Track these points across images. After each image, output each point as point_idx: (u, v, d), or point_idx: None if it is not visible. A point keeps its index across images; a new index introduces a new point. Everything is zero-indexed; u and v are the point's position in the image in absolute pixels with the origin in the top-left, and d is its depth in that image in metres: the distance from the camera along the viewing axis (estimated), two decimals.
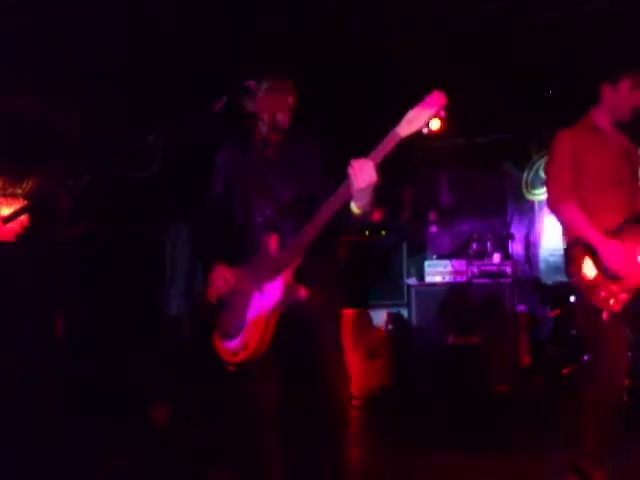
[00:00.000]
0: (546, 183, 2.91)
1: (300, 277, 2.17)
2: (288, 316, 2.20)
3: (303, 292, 2.16)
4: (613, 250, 2.60)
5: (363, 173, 1.98)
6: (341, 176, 2.06)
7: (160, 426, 4.03)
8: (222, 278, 2.28)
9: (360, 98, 5.03)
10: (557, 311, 5.48)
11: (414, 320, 5.31)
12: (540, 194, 6.41)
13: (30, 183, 4.11)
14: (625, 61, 2.99)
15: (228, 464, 3.24)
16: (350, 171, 2.00)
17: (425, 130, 1.96)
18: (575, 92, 5.52)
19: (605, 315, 2.59)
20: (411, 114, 1.96)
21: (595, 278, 2.62)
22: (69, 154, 4.16)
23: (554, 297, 5.61)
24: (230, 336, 2.26)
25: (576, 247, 2.69)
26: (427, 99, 1.98)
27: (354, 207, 2.08)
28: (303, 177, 2.32)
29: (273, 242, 2.23)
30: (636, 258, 2.62)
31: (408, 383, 5.14)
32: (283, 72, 2.36)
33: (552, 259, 6.22)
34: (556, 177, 2.80)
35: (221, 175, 2.46)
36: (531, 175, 6.43)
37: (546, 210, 6.33)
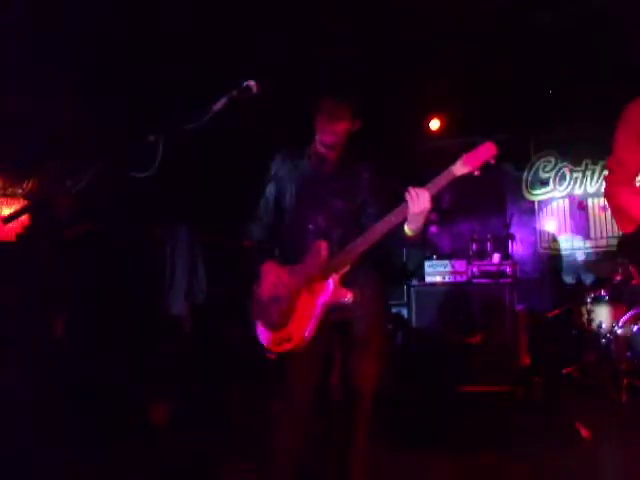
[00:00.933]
0: (609, 161, 2.49)
1: (347, 282, 2.39)
2: (332, 316, 2.41)
3: (349, 295, 2.38)
4: None
5: (420, 200, 2.26)
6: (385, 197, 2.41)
7: (160, 425, 4.04)
8: (275, 274, 2.49)
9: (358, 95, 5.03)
10: (557, 311, 5.49)
11: (414, 320, 5.31)
12: (540, 194, 6.41)
13: (30, 183, 4.11)
14: (625, 61, 2.98)
15: (230, 462, 3.24)
16: (408, 196, 2.28)
17: (476, 173, 2.26)
18: (575, 92, 5.54)
19: None
20: (466, 157, 2.26)
21: None
22: (69, 154, 4.16)
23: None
24: (275, 327, 2.45)
25: (634, 244, 2.45)
26: (481, 147, 2.28)
27: (407, 229, 2.35)
28: (354, 193, 2.57)
29: (323, 247, 2.44)
30: None
31: (408, 383, 5.14)
32: (341, 98, 2.53)
33: (552, 259, 6.23)
34: (617, 164, 2.43)
35: (274, 180, 2.65)
36: (531, 175, 6.44)
37: (546, 210, 6.34)
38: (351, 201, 2.57)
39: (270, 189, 2.66)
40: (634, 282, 2.47)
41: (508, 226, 5.72)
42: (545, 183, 6.38)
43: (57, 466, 3.14)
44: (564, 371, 5.00)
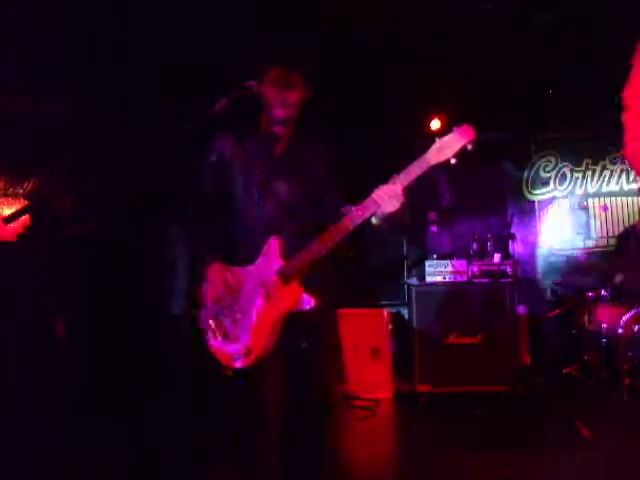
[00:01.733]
0: (624, 112, 2.14)
1: (307, 284, 2.14)
2: (293, 322, 2.15)
3: (312, 301, 2.13)
4: None
5: (392, 199, 2.02)
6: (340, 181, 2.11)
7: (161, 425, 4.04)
8: (222, 278, 2.19)
9: (358, 95, 5.03)
10: (557, 311, 5.49)
11: (414, 320, 5.31)
12: (541, 194, 6.41)
13: (31, 183, 4.10)
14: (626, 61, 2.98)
15: (228, 464, 3.24)
16: (376, 197, 2.03)
17: (453, 160, 2.01)
18: (575, 92, 5.54)
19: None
20: (440, 143, 2.03)
21: None
22: (70, 154, 4.16)
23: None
24: (229, 339, 2.18)
25: None
26: (458, 131, 2.03)
27: (375, 221, 2.10)
28: (305, 175, 2.27)
29: (277, 246, 2.17)
30: None
31: (408, 383, 5.14)
32: (292, 64, 2.23)
33: (552, 259, 6.22)
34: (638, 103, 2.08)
35: (216, 164, 2.33)
36: (531, 175, 6.43)
37: (547, 210, 6.34)
38: (304, 184, 2.26)
39: (210, 177, 2.34)
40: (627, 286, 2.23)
41: (509, 226, 5.71)
42: (546, 183, 6.37)
43: (57, 466, 3.14)
44: (564, 371, 4.99)
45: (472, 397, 4.77)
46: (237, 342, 2.16)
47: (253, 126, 2.33)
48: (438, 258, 5.60)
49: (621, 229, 5.71)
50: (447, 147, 2.02)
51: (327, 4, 4.26)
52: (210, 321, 2.22)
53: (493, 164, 6.13)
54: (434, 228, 6.21)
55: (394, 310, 5.68)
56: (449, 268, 5.40)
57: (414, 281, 5.56)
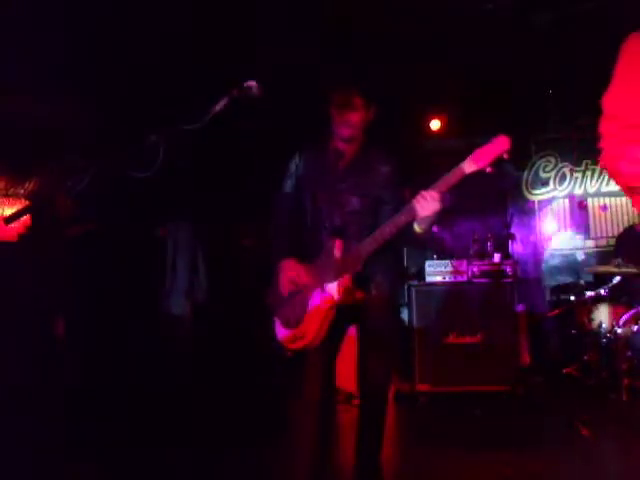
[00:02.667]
0: (602, 119, 1.91)
1: (360, 281, 2.41)
2: (344, 315, 2.44)
3: (359, 295, 2.41)
4: None
5: (429, 203, 2.24)
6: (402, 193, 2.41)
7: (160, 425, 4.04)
8: (295, 272, 2.49)
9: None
10: (557, 311, 5.49)
11: (414, 320, 5.31)
12: (540, 194, 6.41)
13: (32, 183, 4.10)
14: None
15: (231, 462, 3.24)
16: (417, 201, 2.25)
17: (488, 169, 2.19)
18: (575, 92, 5.54)
19: None
20: (477, 153, 2.20)
21: None
22: (70, 154, 4.16)
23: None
24: (291, 325, 2.48)
25: None
26: (493, 141, 2.21)
27: (417, 227, 2.36)
28: (369, 188, 2.53)
29: (338, 247, 2.43)
30: None
31: (408, 383, 5.14)
32: (351, 88, 2.51)
33: (552, 259, 6.23)
34: (616, 110, 1.87)
35: (293, 177, 2.64)
36: (531, 175, 6.44)
37: (546, 210, 6.34)
38: (366, 197, 2.54)
39: (288, 187, 2.65)
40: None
41: (508, 226, 5.72)
42: (545, 183, 6.38)
43: (57, 466, 3.14)
44: (564, 371, 5.00)
45: (472, 397, 4.77)
46: (296, 327, 2.46)
47: (323, 143, 2.63)
48: (438, 258, 5.61)
49: (621, 229, 5.71)
50: (483, 157, 2.20)
51: (327, 4, 4.26)
52: (278, 308, 2.54)
53: (493, 164, 6.13)
54: (434, 228, 6.21)
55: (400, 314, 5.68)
56: (449, 268, 5.40)
57: (414, 281, 5.56)
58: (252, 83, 2.26)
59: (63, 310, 4.18)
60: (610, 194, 6.13)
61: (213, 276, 5.44)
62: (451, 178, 2.24)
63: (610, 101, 1.91)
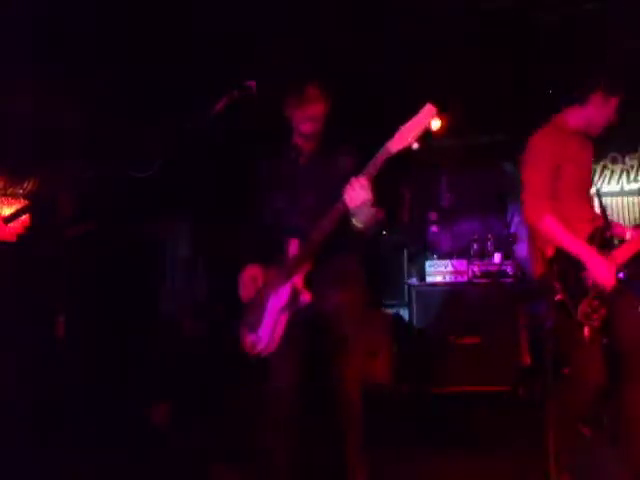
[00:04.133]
0: (523, 192, 2.81)
1: (314, 281, 2.32)
2: (297, 317, 2.36)
3: (306, 297, 2.30)
4: (601, 264, 2.55)
5: (358, 192, 2.11)
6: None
7: (161, 425, 4.04)
8: (252, 277, 2.47)
9: (358, 95, 5.03)
10: None
11: (415, 320, 5.30)
12: None
13: (31, 183, 4.11)
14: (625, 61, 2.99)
15: (231, 462, 3.24)
16: (345, 191, 2.13)
17: (415, 145, 2.09)
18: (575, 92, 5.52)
19: (586, 331, 2.59)
20: (403, 129, 2.08)
21: (579, 293, 2.58)
22: (70, 154, 4.16)
23: None
24: (251, 330, 2.44)
25: (559, 261, 2.61)
26: (418, 114, 2.08)
27: (355, 222, 2.21)
28: (329, 185, 2.36)
29: (294, 247, 2.35)
30: (614, 273, 2.58)
31: (408, 383, 5.14)
32: (309, 81, 2.41)
33: None
34: (535, 187, 2.72)
35: (258, 178, 2.60)
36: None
37: None
38: (324, 193, 2.34)
39: (253, 190, 2.61)
40: (557, 297, 2.57)
41: (509, 226, 5.71)
42: None
43: (57, 466, 3.13)
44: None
45: (472, 397, 4.77)
46: (255, 331, 2.42)
47: (285, 142, 2.54)
48: (438, 258, 5.60)
49: None
50: (408, 133, 2.08)
51: (326, 4, 4.26)
52: (243, 314, 2.50)
53: (493, 164, 6.13)
54: (434, 228, 6.21)
55: (394, 310, 5.68)
56: (449, 268, 5.39)
57: (414, 281, 5.55)
58: (252, 83, 2.27)
59: (63, 310, 4.18)
60: (610, 194, 6.13)
61: (213, 276, 5.44)
62: (377, 162, 2.13)
63: (527, 182, 2.78)
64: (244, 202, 2.67)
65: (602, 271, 2.55)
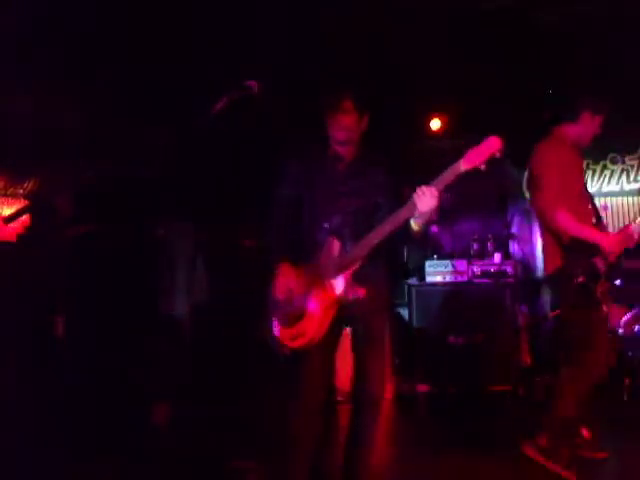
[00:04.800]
0: (538, 190, 3.24)
1: (359, 279, 2.45)
2: (344, 312, 2.48)
3: (361, 291, 2.44)
4: (610, 237, 3.10)
5: (428, 199, 2.30)
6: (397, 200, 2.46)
7: (160, 426, 4.04)
8: (289, 275, 2.55)
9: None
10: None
11: (415, 320, 5.30)
12: None
13: (31, 183, 4.11)
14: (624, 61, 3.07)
15: (231, 462, 3.24)
16: (417, 196, 2.31)
17: (482, 167, 2.27)
18: (575, 92, 5.53)
19: (605, 308, 3.06)
20: (472, 152, 2.28)
21: (595, 276, 3.02)
22: (70, 154, 4.16)
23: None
24: (289, 323, 2.51)
25: (576, 250, 3.07)
26: (487, 141, 2.28)
27: (414, 224, 2.41)
28: (368, 193, 2.60)
29: (335, 245, 2.49)
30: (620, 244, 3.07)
31: (408, 383, 5.14)
32: (342, 92, 2.56)
33: None
34: (550, 185, 3.15)
35: (291, 179, 2.69)
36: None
37: None
38: (365, 201, 2.60)
39: (287, 187, 2.69)
40: (580, 280, 3.07)
41: (509, 226, 5.71)
42: None
43: (57, 466, 3.14)
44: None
45: (472, 397, 4.77)
46: (295, 325, 2.50)
47: (321, 146, 2.67)
48: (438, 258, 5.60)
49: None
50: (478, 155, 2.27)
51: (327, 4, 4.26)
52: (276, 309, 2.56)
53: (493, 164, 6.13)
54: (434, 228, 6.20)
55: (394, 310, 5.67)
56: (449, 268, 5.40)
57: (414, 281, 5.56)
58: (252, 83, 2.27)
59: (63, 310, 4.18)
60: (611, 194, 6.13)
61: (213, 276, 5.44)
62: (448, 176, 2.31)
63: (544, 181, 3.22)
64: (268, 200, 2.73)
65: (612, 242, 3.05)
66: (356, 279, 2.45)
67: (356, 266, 2.46)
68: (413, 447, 3.70)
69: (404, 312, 5.64)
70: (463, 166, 2.28)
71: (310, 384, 2.54)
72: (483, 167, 2.27)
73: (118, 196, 4.36)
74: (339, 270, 2.45)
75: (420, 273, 5.59)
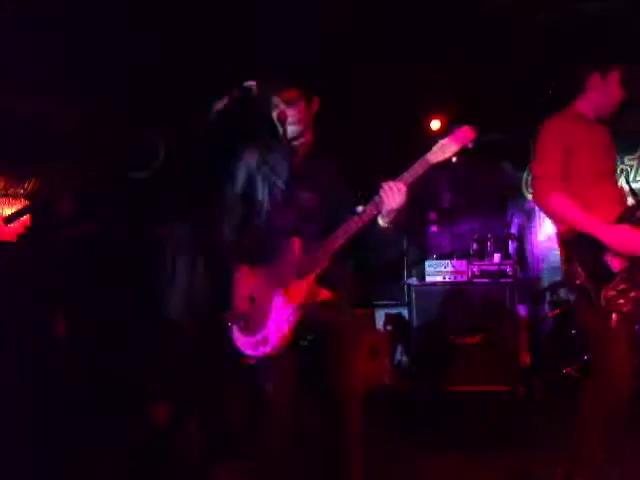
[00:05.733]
0: (532, 176, 2.77)
1: (324, 280, 2.32)
2: (309, 316, 2.33)
3: (325, 294, 2.32)
4: (618, 233, 2.42)
5: (395, 195, 2.17)
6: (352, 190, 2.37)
7: (160, 425, 4.03)
8: (248, 280, 2.43)
9: (358, 95, 5.03)
10: (557, 311, 5.49)
11: (415, 320, 5.31)
12: None
13: (31, 183, 4.11)
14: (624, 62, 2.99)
15: (231, 462, 3.24)
16: (382, 192, 2.19)
17: (454, 159, 2.17)
18: (571, 84, 5.53)
19: (614, 317, 2.40)
20: (442, 143, 2.18)
21: (602, 278, 2.42)
22: (70, 154, 4.16)
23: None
24: (251, 331, 2.39)
25: (578, 244, 2.53)
26: (458, 132, 2.19)
27: (381, 222, 2.26)
28: (324, 185, 2.44)
29: (296, 246, 2.34)
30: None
31: (408, 383, 5.15)
32: (291, 82, 2.46)
33: (553, 259, 6.22)
34: (544, 170, 2.64)
35: (243, 177, 2.55)
36: (531, 175, 6.43)
37: None
38: (321, 194, 2.43)
39: (239, 180, 2.55)
40: (578, 282, 2.46)
41: (509, 226, 5.72)
42: None
43: (57, 466, 3.14)
44: (564, 371, 5.00)
45: (472, 397, 4.77)
46: (258, 332, 2.37)
47: (276, 139, 2.52)
48: (438, 258, 5.60)
49: None
50: (447, 147, 2.17)
51: (326, 4, 4.26)
52: (236, 317, 2.45)
53: (493, 164, 6.13)
54: (434, 228, 6.21)
55: (394, 310, 5.68)
56: (449, 268, 5.40)
57: (414, 281, 5.56)
58: (252, 83, 2.27)
59: (63, 310, 4.18)
60: None
61: (213, 276, 5.43)
62: (418, 169, 2.20)
63: (537, 166, 2.70)
64: (219, 198, 2.60)
65: (620, 239, 2.42)
66: (320, 282, 2.31)
67: (319, 269, 2.31)
68: (413, 447, 3.70)
69: (404, 312, 5.65)
70: (433, 159, 2.18)
71: (278, 392, 2.40)
72: (454, 159, 2.17)
73: (118, 196, 4.36)
74: (302, 273, 2.31)
75: (420, 273, 5.60)
